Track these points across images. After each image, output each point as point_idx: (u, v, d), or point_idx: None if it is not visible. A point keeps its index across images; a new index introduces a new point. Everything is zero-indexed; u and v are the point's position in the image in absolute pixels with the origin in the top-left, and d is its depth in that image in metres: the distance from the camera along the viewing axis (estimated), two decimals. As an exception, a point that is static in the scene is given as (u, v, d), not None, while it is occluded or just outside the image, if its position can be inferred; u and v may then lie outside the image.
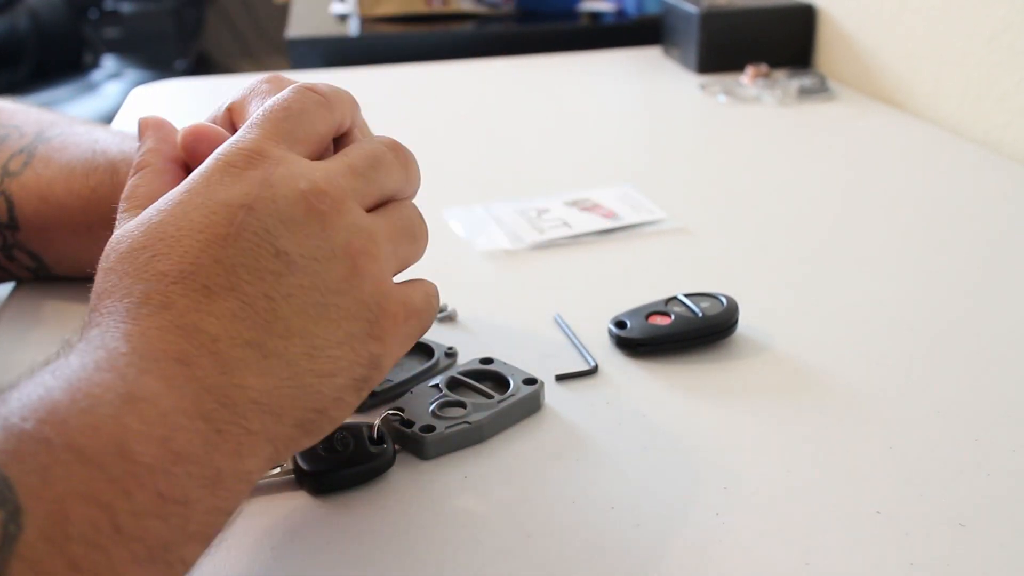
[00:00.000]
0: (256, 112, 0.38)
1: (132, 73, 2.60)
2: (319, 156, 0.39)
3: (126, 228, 0.35)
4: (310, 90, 0.39)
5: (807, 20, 1.07)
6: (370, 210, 0.38)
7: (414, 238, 0.40)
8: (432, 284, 0.41)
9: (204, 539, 0.31)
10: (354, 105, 0.41)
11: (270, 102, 0.38)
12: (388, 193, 0.40)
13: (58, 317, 0.56)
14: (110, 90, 2.49)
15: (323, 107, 0.39)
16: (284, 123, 0.37)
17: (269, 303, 0.34)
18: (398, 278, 0.40)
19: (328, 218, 0.35)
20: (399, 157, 0.40)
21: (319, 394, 0.35)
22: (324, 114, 0.39)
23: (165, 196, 0.36)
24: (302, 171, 0.36)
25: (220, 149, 0.36)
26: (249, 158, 0.36)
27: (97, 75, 2.62)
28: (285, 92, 0.39)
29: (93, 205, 0.53)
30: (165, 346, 0.32)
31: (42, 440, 0.28)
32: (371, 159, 0.39)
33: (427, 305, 0.40)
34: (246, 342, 0.33)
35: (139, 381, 0.30)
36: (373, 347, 0.36)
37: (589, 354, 0.51)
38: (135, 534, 0.28)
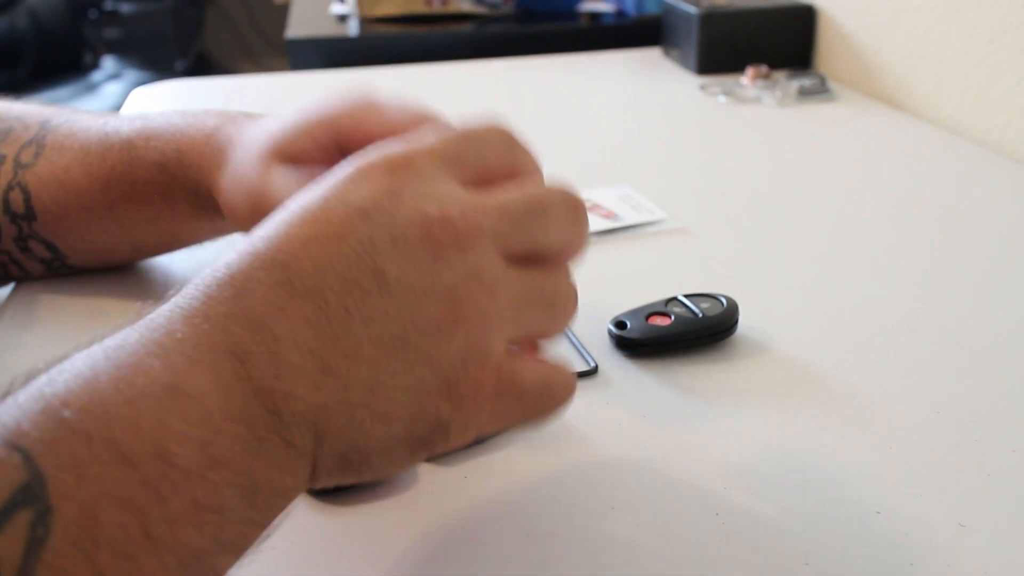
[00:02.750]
0: (436, 126, 0.36)
1: (132, 73, 2.60)
2: (479, 188, 0.34)
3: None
4: (498, 128, 0.36)
5: (807, 20, 1.07)
6: (514, 261, 0.34)
7: (551, 308, 0.35)
8: (567, 376, 0.36)
9: (237, 550, 0.29)
10: (537, 168, 0.37)
11: (456, 126, 0.35)
12: (543, 250, 0.35)
13: (58, 318, 0.56)
14: (110, 90, 2.49)
15: (504, 143, 0.36)
16: (453, 144, 0.34)
17: (346, 317, 0.31)
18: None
19: (444, 251, 0.32)
20: (569, 212, 0.36)
21: (367, 434, 0.31)
22: (501, 150, 0.36)
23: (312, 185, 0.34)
24: (439, 194, 0.32)
25: (375, 148, 0.34)
26: (393, 164, 0.33)
27: (97, 75, 2.62)
28: (474, 123, 0.36)
29: (113, 184, 0.53)
30: (224, 335, 0.30)
31: (82, 433, 0.26)
32: (532, 205, 0.35)
33: (540, 393, 0.35)
34: (309, 350, 0.30)
35: (187, 373, 0.29)
36: (443, 408, 0.32)
37: (589, 354, 0.51)
38: (166, 542, 0.27)
